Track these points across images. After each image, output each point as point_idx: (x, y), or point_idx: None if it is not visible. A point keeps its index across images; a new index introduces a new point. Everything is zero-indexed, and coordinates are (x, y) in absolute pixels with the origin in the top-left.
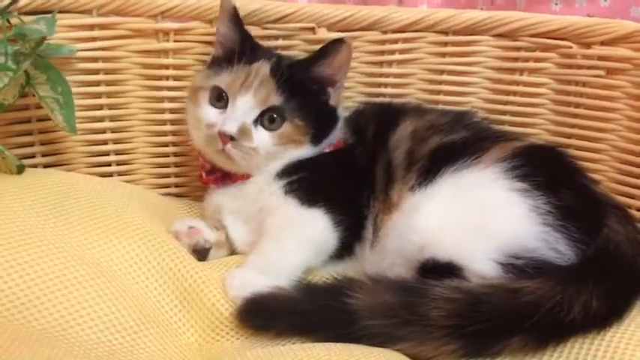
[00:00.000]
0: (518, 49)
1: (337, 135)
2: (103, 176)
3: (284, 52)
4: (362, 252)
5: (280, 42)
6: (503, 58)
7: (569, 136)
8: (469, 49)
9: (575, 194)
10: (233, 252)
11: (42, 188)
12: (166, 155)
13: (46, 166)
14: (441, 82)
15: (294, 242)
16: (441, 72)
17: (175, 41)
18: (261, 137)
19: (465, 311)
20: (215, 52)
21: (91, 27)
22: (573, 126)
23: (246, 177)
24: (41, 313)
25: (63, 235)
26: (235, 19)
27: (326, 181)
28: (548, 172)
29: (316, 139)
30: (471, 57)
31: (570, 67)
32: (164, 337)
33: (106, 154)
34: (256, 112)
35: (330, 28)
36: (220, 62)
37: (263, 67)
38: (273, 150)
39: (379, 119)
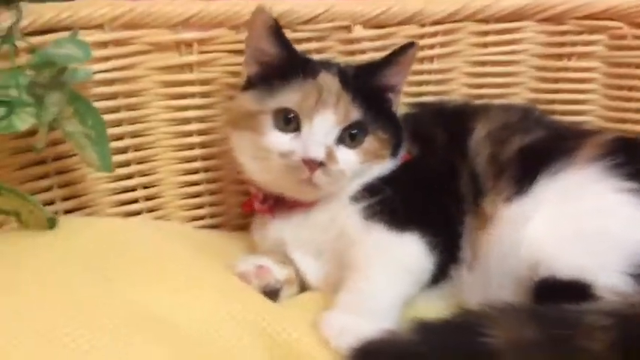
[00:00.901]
0: (565, 33)
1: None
2: (131, 214)
3: (318, 55)
4: (459, 275)
5: (314, 44)
6: (549, 44)
7: (624, 121)
8: (512, 36)
9: None
10: (303, 287)
11: (80, 241)
12: (198, 183)
13: (68, 211)
14: (484, 75)
15: (389, 274)
16: (484, 64)
17: (200, 53)
18: (347, 157)
19: (627, 340)
20: (251, 68)
21: (104, 44)
22: (627, 110)
23: (311, 203)
24: None
25: (115, 295)
26: (278, 33)
27: (411, 198)
28: None
29: (395, 151)
30: (515, 45)
31: (621, 48)
32: None
33: (133, 189)
34: (337, 131)
35: (366, 24)
36: (265, 79)
37: (331, 79)
38: (359, 169)
39: (445, 125)
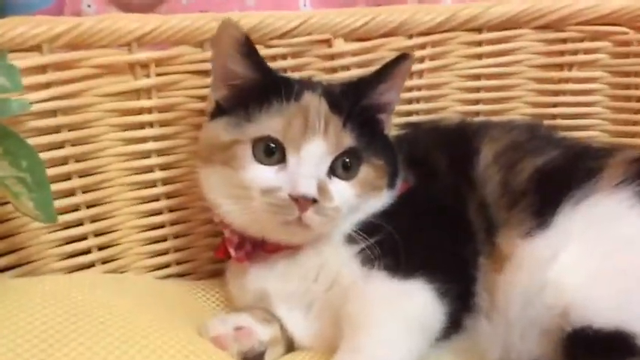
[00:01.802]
0: (565, 40)
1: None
2: (82, 268)
3: (297, 74)
4: (475, 326)
5: (290, 61)
6: (549, 53)
7: (632, 135)
8: (508, 46)
9: None
10: (290, 347)
11: (17, 310)
12: (161, 226)
13: (3, 269)
14: (479, 89)
15: (396, 329)
16: (478, 77)
17: (158, 75)
18: (341, 191)
19: None
20: (220, 95)
21: (43, 69)
22: (636, 123)
23: (296, 247)
24: None
25: None
26: (249, 50)
27: (414, 238)
28: None
29: (392, 181)
30: (511, 55)
31: (627, 56)
32: None
33: (83, 237)
34: (328, 161)
35: (348, 37)
36: (240, 105)
37: (316, 101)
38: (355, 204)
39: (445, 147)
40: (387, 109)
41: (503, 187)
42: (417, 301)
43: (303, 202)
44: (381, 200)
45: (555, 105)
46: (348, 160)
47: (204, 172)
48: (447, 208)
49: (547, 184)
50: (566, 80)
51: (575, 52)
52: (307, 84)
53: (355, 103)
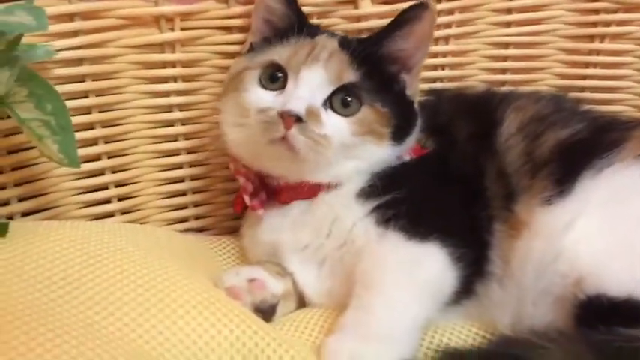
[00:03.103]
0: (597, 11)
1: (415, 136)
2: (102, 217)
3: None
4: (487, 292)
5: (316, 21)
6: (580, 24)
7: None
8: (538, 14)
9: None
10: (302, 301)
11: (38, 250)
12: (181, 180)
13: (26, 213)
14: (506, 58)
15: (408, 291)
16: (507, 45)
17: (182, 29)
18: (335, 123)
19: None
20: (256, 32)
21: (70, 17)
22: None
23: (309, 194)
24: None
25: (79, 314)
26: None
27: (431, 201)
28: None
29: (399, 135)
30: (541, 25)
31: None
32: None
33: (104, 187)
34: (327, 91)
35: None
36: (267, 42)
37: (329, 41)
38: (348, 141)
39: (468, 115)
40: (408, 66)
41: (525, 156)
42: (432, 266)
43: (287, 118)
44: (382, 150)
45: (584, 77)
46: (347, 96)
47: (221, 104)
48: (465, 175)
49: (569, 154)
50: (597, 52)
51: (607, 24)
52: (329, 31)
53: (367, 49)
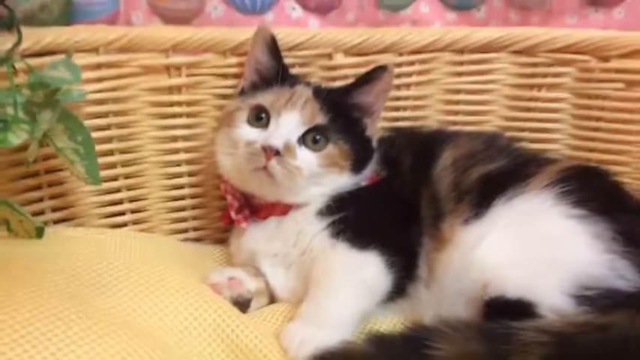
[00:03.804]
0: (536, 64)
1: (373, 167)
2: (117, 226)
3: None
4: (416, 292)
5: (297, 70)
6: (521, 75)
7: (591, 149)
8: (485, 67)
9: (631, 217)
10: (273, 299)
11: (67, 250)
12: (182, 198)
13: (57, 221)
14: (458, 102)
15: (349, 289)
16: (459, 92)
17: (188, 75)
18: (305, 157)
19: (559, 355)
20: (247, 78)
21: (98, 66)
22: (594, 140)
23: (280, 211)
24: None
25: (98, 300)
26: (274, 46)
27: (374, 218)
28: (600, 195)
29: (356, 167)
30: (488, 75)
31: (589, 80)
32: None
33: (119, 202)
34: (301, 130)
35: (347, 53)
36: (255, 87)
37: (305, 90)
38: (316, 171)
39: (414, 150)
40: (369, 113)
41: (454, 185)
42: (369, 269)
43: (269, 151)
44: (343, 179)
45: (525, 120)
46: (317, 135)
47: (216, 135)
48: (404, 199)
49: (489, 185)
50: (536, 99)
51: (544, 75)
52: (305, 81)
53: (335, 99)
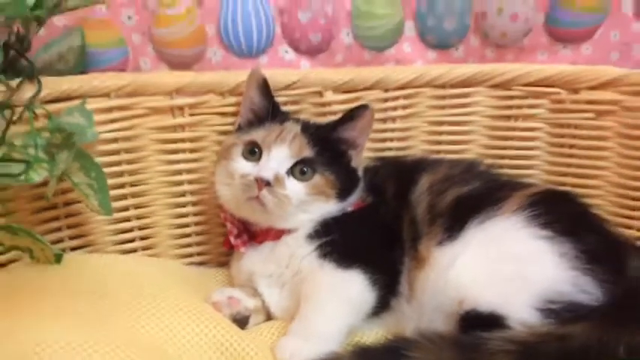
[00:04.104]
0: (512, 97)
1: (358, 195)
2: (128, 252)
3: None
4: (399, 307)
5: (290, 107)
6: (498, 107)
7: (565, 174)
8: (466, 100)
9: (595, 237)
10: (269, 316)
11: (84, 274)
12: (187, 225)
13: (74, 248)
14: (441, 133)
15: (335, 306)
16: (441, 123)
17: (190, 115)
18: (294, 187)
19: None
20: (243, 116)
21: (110, 109)
22: (569, 165)
23: (274, 236)
24: None
25: (112, 319)
26: (265, 87)
27: (358, 241)
28: (566, 217)
29: (342, 195)
30: (468, 107)
31: (561, 111)
32: None
33: (130, 230)
34: (290, 163)
35: (336, 90)
36: (250, 124)
37: (294, 126)
38: (304, 199)
39: (396, 177)
40: (353, 146)
41: (429, 208)
42: (354, 286)
43: (260, 182)
44: (329, 206)
45: (504, 148)
46: (304, 167)
47: (216, 168)
48: (387, 222)
49: (462, 207)
50: (513, 129)
51: (519, 107)
52: (294, 117)
53: (322, 134)
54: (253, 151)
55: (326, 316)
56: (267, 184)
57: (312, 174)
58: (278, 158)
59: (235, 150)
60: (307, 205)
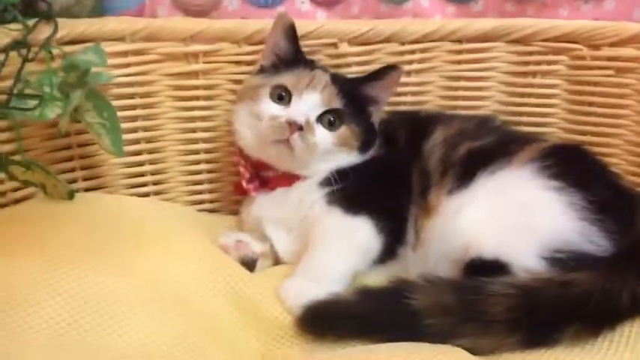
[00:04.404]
0: (531, 53)
1: (376, 148)
2: (140, 196)
3: None
4: (405, 255)
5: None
6: (517, 63)
7: (584, 133)
8: (483, 55)
9: (605, 189)
10: (277, 261)
11: (95, 212)
12: (199, 172)
13: (87, 189)
14: (457, 89)
15: (342, 249)
16: (458, 79)
17: (204, 62)
18: (322, 135)
19: (522, 305)
20: (267, 59)
21: (125, 53)
22: (587, 124)
23: (286, 182)
24: (112, 335)
25: (122, 257)
26: (292, 32)
27: (367, 189)
28: (577, 169)
29: (363, 148)
30: (486, 63)
31: (581, 68)
32: (228, 349)
33: (143, 174)
34: (320, 110)
35: (351, 42)
36: (275, 68)
37: (323, 75)
38: (330, 149)
39: (410, 129)
40: (376, 103)
41: (442, 159)
42: (360, 232)
43: (293, 125)
44: (351, 157)
45: (521, 105)
46: (333, 117)
47: (237, 109)
48: (397, 172)
49: (474, 159)
50: (531, 86)
51: (538, 63)
52: (322, 66)
53: (349, 88)
54: (282, 96)
55: (332, 259)
56: (299, 128)
57: (339, 124)
58: (309, 104)
59: (263, 92)
60: (332, 154)
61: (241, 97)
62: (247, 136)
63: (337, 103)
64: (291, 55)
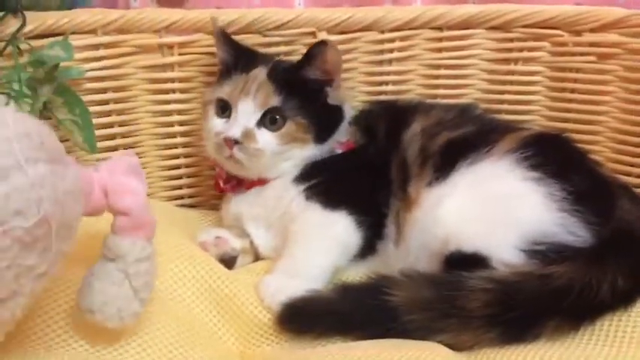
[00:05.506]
0: (512, 40)
1: (344, 134)
2: None
3: (287, 57)
4: (385, 250)
5: (282, 48)
6: (498, 50)
7: (565, 120)
8: (464, 42)
9: (585, 179)
10: (257, 258)
11: None
12: (178, 167)
13: None
14: (438, 77)
15: (321, 244)
16: (439, 67)
17: (180, 54)
18: (265, 138)
19: (501, 300)
20: (219, 68)
21: (97, 47)
22: (569, 110)
23: (261, 182)
24: (91, 338)
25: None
26: (224, 36)
27: (345, 182)
28: (557, 159)
29: (320, 137)
30: (467, 50)
31: (563, 54)
32: (207, 348)
33: None
34: (258, 115)
35: (330, 31)
36: (222, 77)
37: (260, 73)
38: (278, 150)
39: (389, 119)
40: (327, 82)
41: (421, 150)
42: (339, 226)
43: (229, 142)
44: (308, 151)
45: (502, 93)
46: (274, 116)
47: (202, 123)
48: (375, 164)
49: (453, 149)
50: (512, 73)
51: (520, 50)
52: (265, 59)
53: (290, 75)
54: (224, 108)
55: (311, 254)
56: (236, 142)
57: (283, 122)
58: (245, 113)
59: (209, 108)
60: (284, 153)
61: (202, 112)
62: (208, 149)
63: (275, 101)
64: (231, 61)
